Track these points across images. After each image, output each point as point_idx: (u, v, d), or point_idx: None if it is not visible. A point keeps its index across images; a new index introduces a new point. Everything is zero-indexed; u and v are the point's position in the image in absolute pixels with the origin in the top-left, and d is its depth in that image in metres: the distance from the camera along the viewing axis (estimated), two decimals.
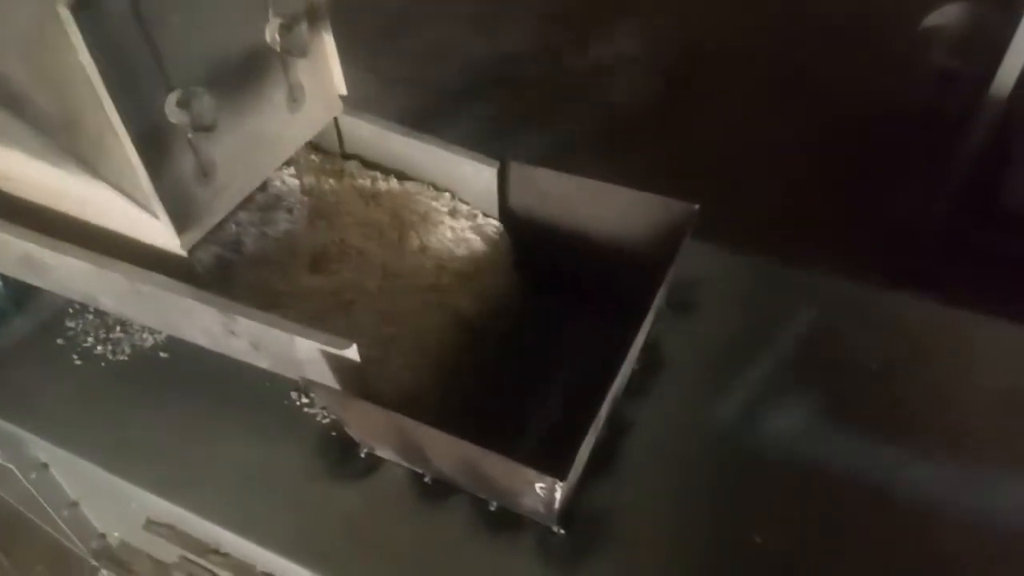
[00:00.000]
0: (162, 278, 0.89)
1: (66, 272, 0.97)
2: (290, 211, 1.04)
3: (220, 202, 0.93)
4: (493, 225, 1.10)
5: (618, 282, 1.00)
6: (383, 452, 0.95)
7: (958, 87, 1.88)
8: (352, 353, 0.82)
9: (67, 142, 0.77)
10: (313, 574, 0.87)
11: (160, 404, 1.03)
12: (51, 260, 0.96)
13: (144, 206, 0.85)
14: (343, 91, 1.07)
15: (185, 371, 1.06)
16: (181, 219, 0.88)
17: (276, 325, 0.85)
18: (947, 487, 0.90)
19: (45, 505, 1.24)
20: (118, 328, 1.12)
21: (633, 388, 1.01)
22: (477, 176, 1.06)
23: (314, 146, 1.14)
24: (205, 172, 0.90)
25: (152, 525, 1.11)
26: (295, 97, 1.00)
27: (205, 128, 0.83)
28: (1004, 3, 1.72)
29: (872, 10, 2.34)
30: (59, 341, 1.12)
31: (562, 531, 0.88)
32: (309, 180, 1.09)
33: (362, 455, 0.96)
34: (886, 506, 0.88)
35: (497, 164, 1.05)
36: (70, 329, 1.13)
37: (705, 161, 2.03)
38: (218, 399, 1.03)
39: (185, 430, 1.00)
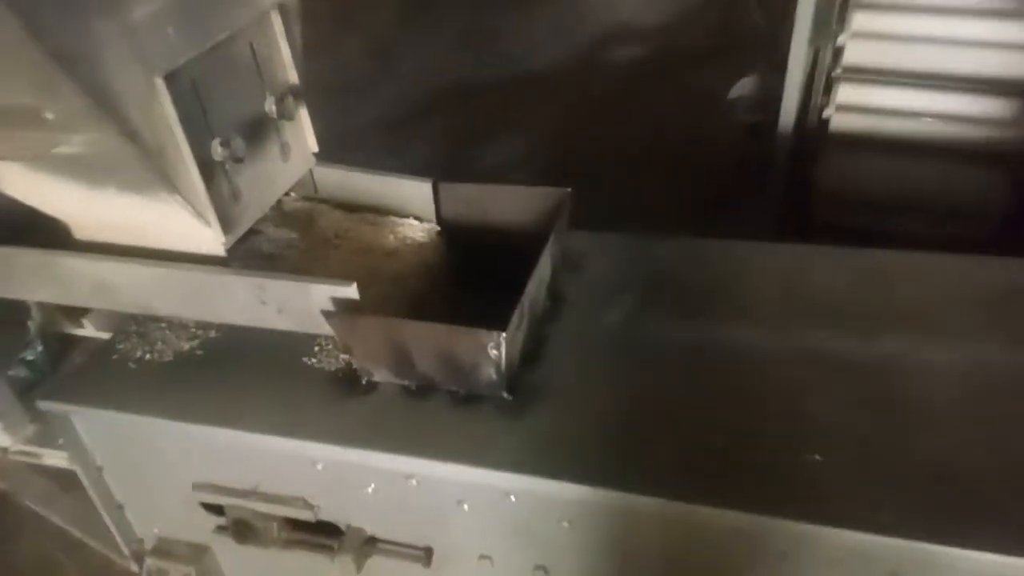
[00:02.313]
0: (210, 267, 1.29)
1: (132, 287, 1.35)
2: (290, 228, 1.47)
3: (245, 218, 1.35)
4: (432, 227, 1.55)
5: (523, 252, 1.45)
6: (379, 375, 1.34)
7: (759, 131, 2.52)
8: (352, 292, 1.24)
9: (155, 168, 1.18)
10: (341, 448, 1.23)
11: (206, 381, 1.39)
12: (121, 279, 1.34)
13: (202, 215, 1.26)
14: (315, 149, 1.53)
15: (219, 359, 1.43)
16: (224, 225, 1.29)
17: (295, 280, 1.26)
18: (743, 347, 1.36)
19: (99, 505, 1.52)
20: (159, 343, 1.48)
21: (546, 316, 1.44)
22: (417, 192, 1.53)
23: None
24: (235, 195, 1.32)
25: (198, 488, 1.43)
26: (285, 150, 1.46)
27: (238, 160, 1.27)
28: (777, 72, 2.38)
29: (697, 91, 3.06)
30: (114, 357, 1.47)
31: (510, 397, 1.28)
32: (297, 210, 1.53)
33: (364, 382, 1.35)
34: (722, 365, 1.32)
35: (430, 181, 1.52)
36: (120, 350, 1.48)
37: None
38: (251, 371, 1.39)
39: (230, 391, 1.36)
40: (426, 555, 1.36)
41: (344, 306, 1.26)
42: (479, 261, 1.52)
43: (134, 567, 1.64)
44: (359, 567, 1.38)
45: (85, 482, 1.50)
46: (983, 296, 1.40)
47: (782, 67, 2.22)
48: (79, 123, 1.09)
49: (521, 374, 1.31)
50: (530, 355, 1.35)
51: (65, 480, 1.61)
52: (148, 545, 1.62)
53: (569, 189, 1.47)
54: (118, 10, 1.07)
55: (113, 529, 1.58)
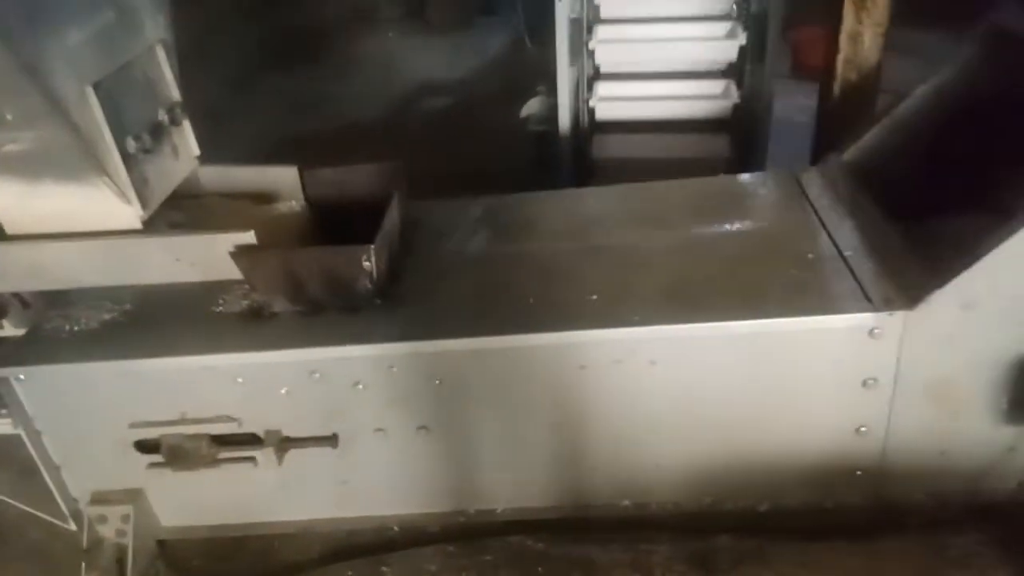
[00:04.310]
0: (131, 236, 1.66)
1: (63, 265, 1.68)
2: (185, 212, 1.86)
3: (153, 200, 1.73)
4: (301, 205, 1.99)
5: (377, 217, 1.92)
6: (278, 306, 1.74)
7: (547, 138, 3.16)
8: (250, 237, 1.66)
9: (89, 156, 1.55)
10: (257, 353, 1.62)
11: (131, 333, 1.73)
12: (53, 259, 1.67)
13: (124, 193, 1.63)
14: (198, 152, 1.93)
15: (140, 320, 1.77)
16: (141, 202, 1.67)
17: (203, 234, 1.66)
18: (544, 250, 1.91)
19: (40, 466, 1.78)
20: (83, 319, 1.80)
21: (401, 254, 1.92)
22: (286, 178, 1.96)
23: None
24: (145, 181, 1.71)
25: (134, 426, 1.74)
26: (176, 151, 1.85)
27: (147, 151, 1.66)
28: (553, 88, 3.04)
29: (498, 120, 3.70)
30: (45, 331, 1.76)
31: (380, 302, 1.73)
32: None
33: (266, 314, 1.74)
34: (531, 261, 1.86)
35: (296, 168, 1.96)
36: (49, 328, 1.78)
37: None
38: (169, 322, 1.75)
39: (155, 335, 1.71)
40: (333, 440, 1.76)
41: (245, 251, 1.67)
42: (343, 229, 1.97)
43: (72, 526, 1.88)
44: (280, 461, 1.75)
45: (28, 444, 1.76)
46: (695, 202, 2.04)
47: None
48: (33, 121, 1.46)
49: (387, 289, 1.77)
50: (392, 278, 1.82)
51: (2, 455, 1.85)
52: (84, 505, 1.88)
53: (402, 161, 1.98)
54: (59, 34, 1.47)
55: (53, 489, 1.83)
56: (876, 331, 1.55)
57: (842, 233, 1.78)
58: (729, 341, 1.60)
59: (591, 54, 2.85)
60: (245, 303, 1.78)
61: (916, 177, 1.79)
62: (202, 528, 1.92)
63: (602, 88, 2.87)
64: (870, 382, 1.61)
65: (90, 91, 1.53)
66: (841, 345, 1.58)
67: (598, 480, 1.81)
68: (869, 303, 1.56)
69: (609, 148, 2.91)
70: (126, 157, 1.63)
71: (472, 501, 1.86)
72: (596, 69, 2.90)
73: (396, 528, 1.94)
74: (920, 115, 1.90)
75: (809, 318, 1.57)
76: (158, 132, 1.78)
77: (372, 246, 1.63)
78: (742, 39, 2.70)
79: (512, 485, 1.83)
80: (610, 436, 1.74)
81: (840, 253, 1.72)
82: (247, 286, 1.77)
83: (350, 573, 1.86)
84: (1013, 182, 1.54)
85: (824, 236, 1.79)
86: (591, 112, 2.90)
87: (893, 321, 1.53)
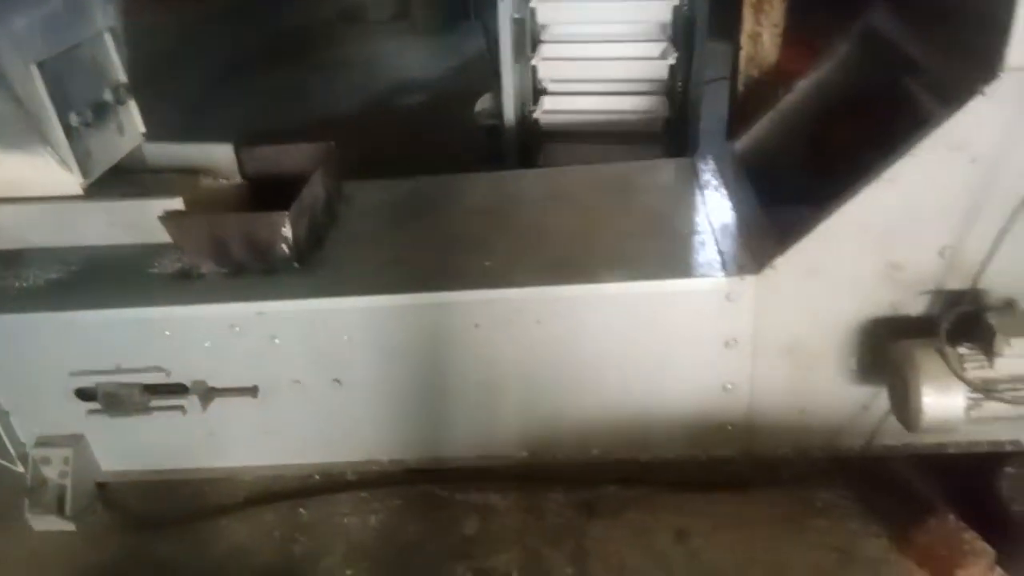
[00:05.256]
0: (73, 202, 1.85)
1: (13, 227, 1.87)
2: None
3: (96, 169, 1.92)
4: (238, 181, 2.18)
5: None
6: (205, 267, 1.92)
7: (496, 131, 3.35)
8: (179, 203, 1.85)
9: (34, 128, 1.74)
10: (184, 307, 1.81)
11: (75, 288, 1.91)
12: (3, 222, 1.86)
13: (65, 162, 1.82)
14: (143, 130, 2.12)
15: (83, 279, 1.95)
16: (82, 171, 1.86)
17: (136, 199, 1.84)
18: (459, 224, 2.09)
19: None
20: (31, 277, 1.98)
21: (326, 225, 2.10)
22: (222, 154, 2.15)
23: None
24: (88, 153, 1.90)
25: (74, 375, 1.92)
26: (121, 127, 2.04)
27: (88, 124, 1.85)
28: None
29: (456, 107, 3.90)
30: None
31: (298, 266, 1.92)
32: None
33: (195, 276, 1.93)
34: (446, 232, 2.05)
35: (232, 144, 2.15)
36: (1, 284, 1.96)
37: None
38: (110, 279, 1.93)
39: (94, 291, 1.89)
40: (253, 391, 1.94)
41: (173, 215, 1.86)
42: (275, 202, 2.16)
43: (20, 468, 2.06)
44: (204, 407, 1.93)
45: None
46: (600, 185, 2.22)
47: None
48: None
49: (308, 255, 1.96)
50: (315, 244, 2.00)
51: None
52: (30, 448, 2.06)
53: (333, 142, 2.16)
54: (8, 18, 1.67)
55: (2, 434, 2.01)
56: (732, 295, 1.73)
57: (718, 213, 1.96)
58: (605, 301, 1.78)
59: (533, 69, 3.02)
60: (177, 265, 1.96)
61: (788, 164, 1.98)
62: (138, 472, 2.10)
63: (547, 102, 3.04)
64: (731, 342, 1.79)
65: (35, 69, 1.72)
66: (703, 307, 1.76)
67: (498, 433, 1.99)
68: (724, 270, 1.74)
69: (555, 156, 3.08)
70: (69, 130, 1.82)
71: (385, 451, 2.04)
72: (538, 81, 3.09)
73: (317, 476, 2.12)
74: (798, 108, 2.08)
75: (672, 281, 1.75)
76: (103, 110, 1.97)
77: (287, 213, 1.82)
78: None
79: (419, 436, 2.01)
80: (505, 391, 1.92)
81: (713, 230, 1.90)
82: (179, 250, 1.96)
83: (270, 515, 2.05)
84: (858, 164, 1.72)
85: (703, 215, 1.97)
86: (535, 121, 3.08)
87: (745, 285, 1.71)
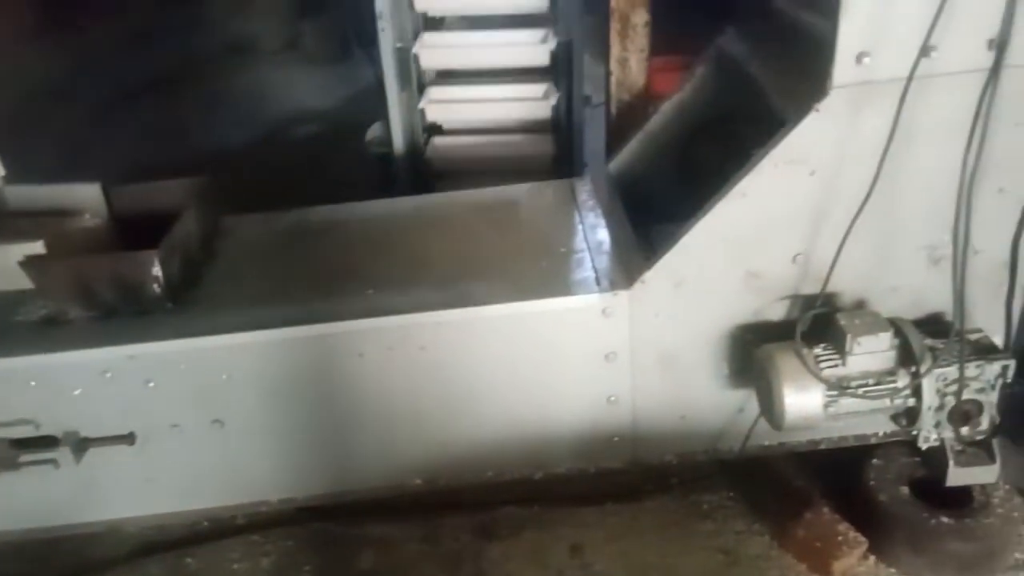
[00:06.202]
0: None
1: None
2: None
3: None
4: (105, 221, 2.10)
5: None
6: (72, 313, 1.84)
7: (388, 159, 3.36)
8: (40, 247, 1.77)
9: None
10: (50, 355, 1.72)
11: None
12: None
13: None
14: (3, 172, 2.03)
15: None
16: None
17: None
18: (339, 251, 2.09)
19: None
20: None
21: (201, 261, 2.05)
22: (89, 194, 2.07)
23: None
24: None
25: None
26: None
27: None
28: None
29: (350, 136, 3.88)
30: None
31: (172, 306, 1.86)
32: None
33: (62, 322, 1.84)
34: (325, 260, 2.03)
35: (99, 184, 2.08)
36: None
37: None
38: None
39: None
40: (130, 438, 1.86)
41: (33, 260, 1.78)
42: (147, 241, 2.09)
43: None
44: (78, 459, 1.84)
45: None
46: (481, 209, 2.26)
47: None
48: None
49: (183, 294, 1.90)
50: (190, 282, 1.95)
51: None
52: None
53: (205, 176, 2.12)
54: None
55: None
56: (607, 310, 1.78)
57: (593, 232, 2.03)
58: (486, 323, 1.81)
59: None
60: (42, 312, 1.87)
61: (657, 182, 2.07)
62: (13, 532, 1.98)
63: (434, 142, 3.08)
64: (611, 356, 1.84)
65: None
66: (581, 323, 1.81)
67: (390, 462, 1.98)
68: (599, 287, 1.80)
69: (443, 159, 3.10)
70: None
71: (274, 491, 1.99)
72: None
73: (206, 523, 2.05)
74: (664, 129, 2.18)
75: (550, 300, 1.79)
76: None
77: (156, 252, 1.77)
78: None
79: (310, 472, 1.98)
80: (394, 419, 1.92)
81: (588, 249, 1.96)
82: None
83: (155, 568, 1.97)
84: (719, 181, 1.81)
85: (580, 235, 2.03)
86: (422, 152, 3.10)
87: (618, 300, 1.77)
